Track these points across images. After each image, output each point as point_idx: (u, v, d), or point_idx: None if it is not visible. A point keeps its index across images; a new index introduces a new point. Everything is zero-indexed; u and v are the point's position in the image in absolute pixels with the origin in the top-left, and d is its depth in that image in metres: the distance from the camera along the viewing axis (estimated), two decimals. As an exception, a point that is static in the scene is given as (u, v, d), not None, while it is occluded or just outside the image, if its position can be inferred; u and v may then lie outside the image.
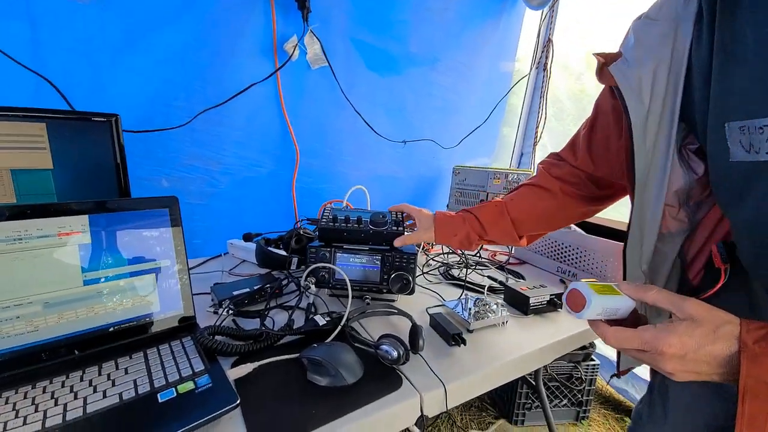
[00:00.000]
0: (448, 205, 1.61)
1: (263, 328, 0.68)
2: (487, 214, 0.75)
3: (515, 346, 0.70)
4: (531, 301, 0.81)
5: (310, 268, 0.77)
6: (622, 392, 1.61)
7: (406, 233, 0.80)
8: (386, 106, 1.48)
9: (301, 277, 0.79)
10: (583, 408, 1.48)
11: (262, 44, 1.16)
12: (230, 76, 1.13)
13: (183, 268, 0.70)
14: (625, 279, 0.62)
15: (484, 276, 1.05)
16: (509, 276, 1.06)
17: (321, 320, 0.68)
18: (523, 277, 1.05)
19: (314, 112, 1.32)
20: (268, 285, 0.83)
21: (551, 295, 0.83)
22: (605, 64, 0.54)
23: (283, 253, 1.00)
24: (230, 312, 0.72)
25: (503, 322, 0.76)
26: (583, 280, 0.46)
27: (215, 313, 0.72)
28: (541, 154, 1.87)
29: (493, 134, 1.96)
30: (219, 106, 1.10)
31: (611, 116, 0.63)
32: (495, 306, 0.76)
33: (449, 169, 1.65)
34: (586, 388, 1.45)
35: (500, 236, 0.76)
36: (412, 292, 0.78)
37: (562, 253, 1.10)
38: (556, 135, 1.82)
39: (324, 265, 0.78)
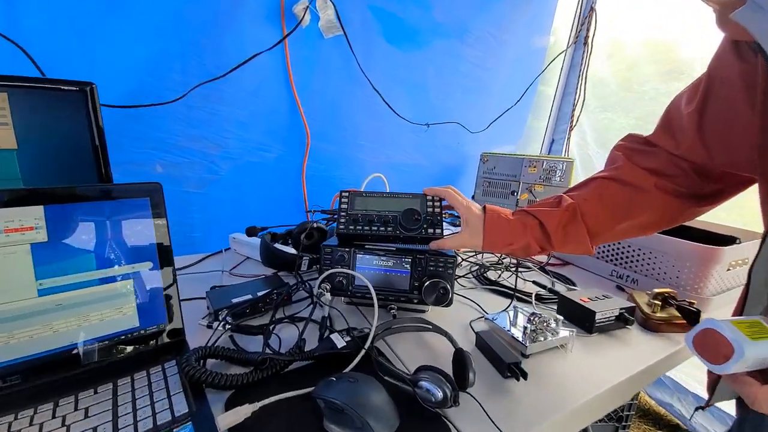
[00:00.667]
0: (474, 197, 1.45)
1: (267, 350, 0.54)
2: (554, 218, 0.59)
3: (586, 379, 0.55)
4: (597, 317, 0.65)
5: (324, 275, 0.63)
6: (665, 405, 1.45)
7: (446, 235, 0.65)
8: (407, 84, 1.31)
9: (314, 281, 0.64)
10: (623, 424, 1.33)
11: (267, 7, 1.00)
12: (231, 45, 0.97)
13: (168, 272, 0.56)
14: (746, 300, 0.46)
15: (525, 280, 0.89)
16: (555, 280, 0.91)
17: (339, 341, 0.54)
18: (572, 283, 0.89)
19: (327, 88, 1.16)
20: (274, 291, 0.69)
21: (621, 309, 0.67)
22: (724, 11, 0.37)
23: (292, 250, 0.85)
24: (227, 326, 0.58)
25: (566, 345, 0.61)
26: (722, 320, 0.32)
27: (209, 327, 0.59)
28: (577, 141, 1.69)
29: (521, 118, 1.77)
30: (218, 79, 0.95)
31: (738, 84, 0.46)
32: (554, 323, 0.61)
33: (475, 156, 1.48)
34: (628, 402, 1.30)
35: (570, 247, 0.60)
36: (449, 304, 0.63)
37: (618, 253, 0.93)
38: (596, 119, 1.63)
39: (343, 271, 0.63)
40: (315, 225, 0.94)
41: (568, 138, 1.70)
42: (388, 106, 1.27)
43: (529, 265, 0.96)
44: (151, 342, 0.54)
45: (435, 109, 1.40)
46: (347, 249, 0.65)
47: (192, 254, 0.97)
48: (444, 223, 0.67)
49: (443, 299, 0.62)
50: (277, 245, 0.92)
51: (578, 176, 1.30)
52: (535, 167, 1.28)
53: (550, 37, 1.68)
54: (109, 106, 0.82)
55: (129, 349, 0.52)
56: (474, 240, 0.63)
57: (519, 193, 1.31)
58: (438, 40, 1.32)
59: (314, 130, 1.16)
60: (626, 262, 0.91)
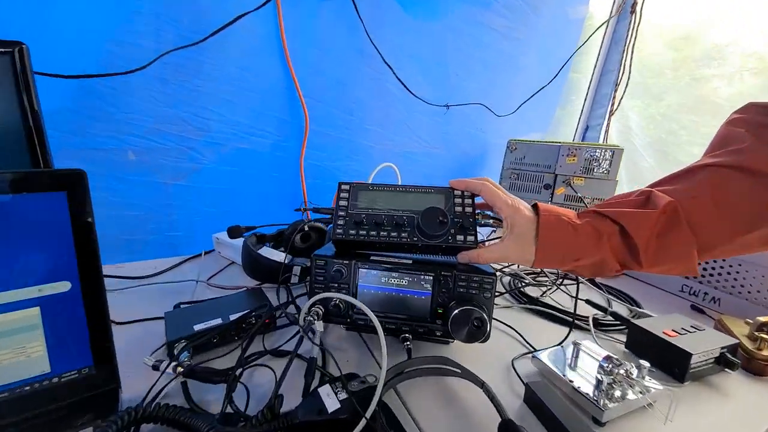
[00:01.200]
0: (499, 191, 1.25)
1: (228, 406, 0.38)
2: (645, 224, 0.41)
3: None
4: (694, 360, 0.47)
5: (312, 300, 0.46)
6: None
7: (484, 245, 0.47)
8: (424, 58, 1.13)
9: (304, 305, 0.48)
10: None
11: (255, -42, 0.83)
12: (213, 6, 0.81)
13: (95, 293, 0.40)
14: None
15: (570, 296, 0.71)
16: (610, 296, 0.72)
17: (331, 398, 0.38)
18: (634, 302, 0.70)
19: (329, 61, 0.98)
20: (252, 314, 0.52)
21: (722, 347, 0.49)
22: None
23: (279, 256, 0.69)
24: (183, 366, 0.42)
25: (652, 404, 0.43)
26: None
27: (155, 368, 0.43)
28: (618, 128, 1.47)
29: (551, 102, 1.56)
30: (195, 45, 0.79)
31: None
32: (636, 370, 0.43)
33: (498, 144, 1.29)
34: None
35: (667, 266, 0.42)
36: (486, 339, 0.45)
37: (691, 264, 0.73)
38: (644, 102, 1.40)
39: (336, 296, 0.46)
40: (312, 224, 0.77)
41: (608, 125, 1.48)
42: (402, 83, 1.08)
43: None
44: (68, 394, 0.38)
45: (455, 89, 1.21)
46: (346, 261, 0.48)
47: (170, 257, 0.82)
48: (477, 228, 0.50)
49: (478, 335, 0.44)
50: (266, 248, 0.76)
51: (621, 170, 1.09)
52: (574, 156, 1.08)
53: (588, 7, 1.46)
54: (56, 75, 0.67)
55: (33, 406, 0.36)
56: (522, 252, 0.45)
57: (555, 187, 1.12)
58: (460, 6, 1.12)
59: (314, 111, 0.98)
60: (704, 275, 0.72)
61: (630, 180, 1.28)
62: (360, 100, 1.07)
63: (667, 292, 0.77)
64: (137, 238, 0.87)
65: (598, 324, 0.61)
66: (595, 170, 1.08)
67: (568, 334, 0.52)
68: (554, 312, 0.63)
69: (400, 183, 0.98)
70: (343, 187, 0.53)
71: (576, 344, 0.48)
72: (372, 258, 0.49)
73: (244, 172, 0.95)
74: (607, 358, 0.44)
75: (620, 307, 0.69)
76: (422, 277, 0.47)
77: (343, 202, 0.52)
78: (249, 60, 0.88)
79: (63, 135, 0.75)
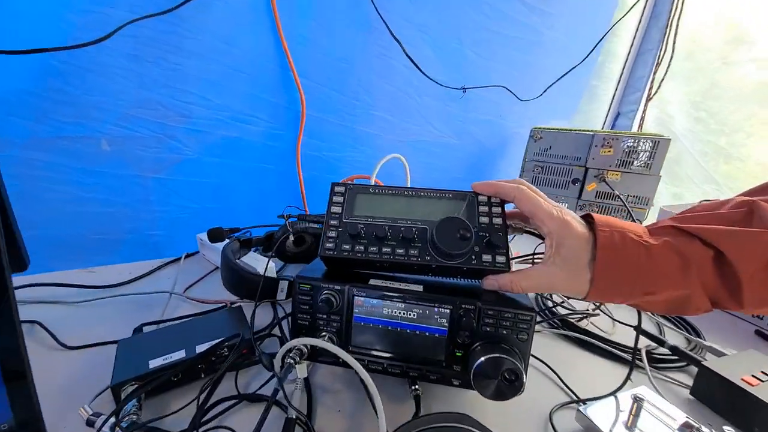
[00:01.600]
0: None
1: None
2: (753, 248, 0.29)
3: None
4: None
5: (287, 347, 0.35)
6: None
7: (516, 268, 0.36)
8: (437, 33, 0.99)
9: (279, 351, 0.38)
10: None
11: None
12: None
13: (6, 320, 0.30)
14: None
15: (611, 319, 0.59)
16: (660, 320, 0.60)
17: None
18: (693, 330, 0.58)
19: (328, 37, 0.86)
20: (225, 344, 0.42)
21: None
22: None
23: (259, 266, 0.59)
24: (122, 427, 0.33)
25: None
26: None
27: (89, 424, 0.33)
28: (656, 115, 1.31)
29: (579, 86, 1.40)
30: (169, 13, 0.67)
31: None
32: None
33: (519, 134, 1.16)
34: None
35: None
36: (521, 392, 0.34)
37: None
38: (689, 86, 1.23)
39: (316, 343, 0.35)
40: (306, 225, 0.67)
41: (643, 112, 1.32)
42: (412, 62, 0.95)
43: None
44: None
45: (473, 69, 1.07)
46: (338, 287, 0.37)
47: (150, 259, 0.73)
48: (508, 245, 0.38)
49: (509, 392, 0.33)
50: (252, 255, 0.66)
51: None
52: (610, 148, 0.94)
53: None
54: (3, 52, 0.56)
55: None
56: (572, 281, 0.34)
57: (586, 182, 0.98)
58: (481, -27, 0.97)
59: (311, 95, 0.87)
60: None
61: (669, 177, 1.13)
62: (364, 81, 0.94)
63: (725, 311, 0.65)
64: (112, 237, 0.77)
65: (653, 357, 0.49)
66: (635, 163, 0.94)
67: (625, 381, 0.40)
68: (600, 344, 0.51)
69: (408, 176, 0.86)
70: (336, 189, 0.42)
71: (638, 400, 0.37)
72: (372, 282, 0.38)
73: (232, 164, 0.84)
74: (687, 426, 0.32)
75: (675, 336, 0.57)
76: (436, 309, 0.36)
77: (336, 209, 0.40)
78: (235, 33, 0.76)
79: (27, 122, 0.65)
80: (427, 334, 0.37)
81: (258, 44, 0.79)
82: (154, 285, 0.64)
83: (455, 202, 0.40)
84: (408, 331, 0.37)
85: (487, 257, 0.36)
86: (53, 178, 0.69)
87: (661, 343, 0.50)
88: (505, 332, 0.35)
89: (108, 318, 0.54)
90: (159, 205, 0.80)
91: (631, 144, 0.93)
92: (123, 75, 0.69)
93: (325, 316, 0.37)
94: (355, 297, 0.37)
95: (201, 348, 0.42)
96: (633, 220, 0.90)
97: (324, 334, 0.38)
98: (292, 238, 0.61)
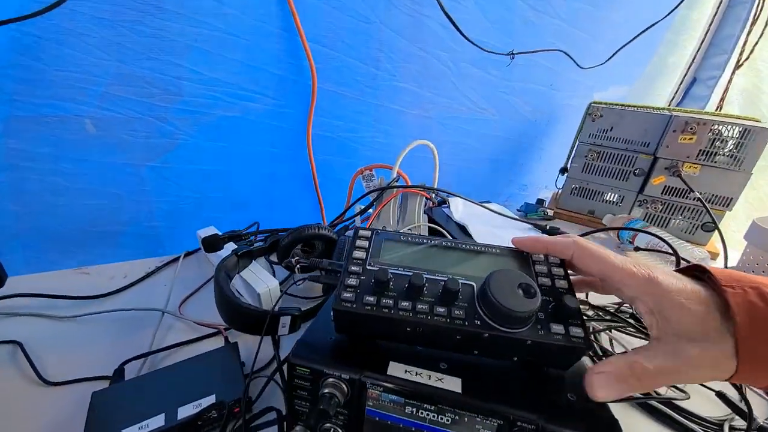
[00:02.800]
0: (567, 174, 0.96)
1: None
2: None
3: None
4: None
5: None
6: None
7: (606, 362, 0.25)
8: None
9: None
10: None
11: None
12: None
13: None
14: None
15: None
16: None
17: None
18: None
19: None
20: (212, 412, 0.35)
21: None
22: None
23: (268, 280, 0.50)
24: None
25: None
26: None
27: None
28: (743, 86, 1.06)
29: (649, 45, 1.15)
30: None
31: None
32: None
33: (572, 107, 0.97)
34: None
35: None
36: None
37: None
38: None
39: None
40: (316, 231, 0.57)
41: (729, 80, 1.08)
42: (450, 20, 0.76)
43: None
44: None
45: (525, 29, 0.87)
46: (346, 376, 0.28)
47: (151, 254, 0.66)
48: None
49: None
50: (255, 266, 0.57)
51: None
52: (693, 134, 0.76)
53: None
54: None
55: None
56: (706, 359, 0.23)
57: (652, 175, 0.82)
58: None
59: (324, 63, 0.72)
60: None
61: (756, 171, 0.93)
62: (387, 45, 0.77)
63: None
64: (109, 229, 0.71)
65: (739, 438, 0.39)
66: (719, 154, 0.76)
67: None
68: (669, 411, 0.41)
69: (437, 166, 0.73)
70: (361, 233, 0.32)
71: None
72: (392, 370, 0.28)
73: (233, 148, 0.73)
74: None
75: (759, 403, 0.45)
76: (479, 419, 0.26)
77: (359, 254, 0.31)
78: (228, -13, 0.61)
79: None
80: (462, 442, 0.28)
81: (257, 1, 0.63)
82: (148, 295, 0.57)
83: (504, 259, 0.30)
84: (438, 435, 0.28)
85: (557, 327, 0.26)
86: (36, 168, 0.61)
87: (743, 415, 0.39)
88: (578, 460, 0.25)
89: (94, 340, 0.48)
90: (156, 196, 0.71)
91: (719, 131, 0.74)
92: (98, 46, 0.57)
93: (324, 412, 0.28)
94: (371, 389, 0.28)
95: (184, 411, 0.35)
96: (715, 226, 0.74)
97: (329, 426, 0.29)
98: (317, 231, 0.52)
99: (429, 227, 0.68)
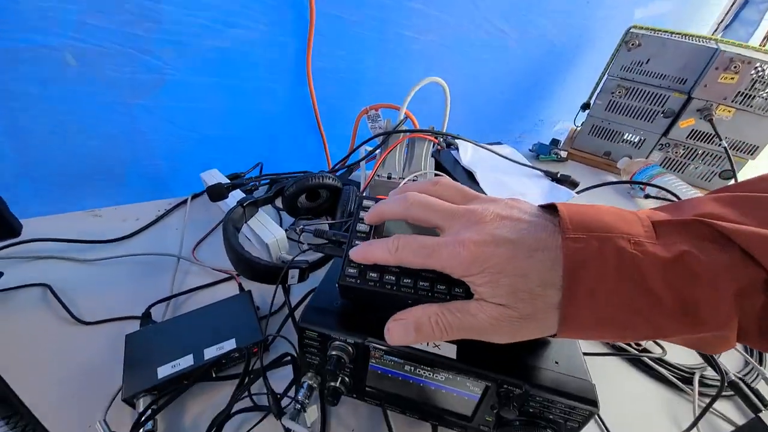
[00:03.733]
0: (588, 111, 0.89)
1: None
2: None
3: None
4: None
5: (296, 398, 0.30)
6: None
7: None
8: None
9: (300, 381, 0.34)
10: None
11: None
12: None
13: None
14: None
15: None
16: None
17: None
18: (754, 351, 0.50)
19: None
20: (240, 353, 0.39)
21: None
22: None
23: (274, 230, 0.52)
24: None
25: None
26: None
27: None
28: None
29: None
30: None
31: None
32: None
33: (607, 30, 0.84)
34: None
35: None
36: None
37: None
38: None
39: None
40: (321, 180, 0.56)
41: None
42: None
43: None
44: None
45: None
46: (351, 340, 0.30)
47: (157, 197, 0.67)
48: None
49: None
50: (261, 214, 0.58)
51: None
52: (735, 74, 0.67)
53: None
54: None
55: None
56: (529, 332, 0.24)
57: (681, 117, 0.75)
58: None
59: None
60: None
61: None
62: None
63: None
64: (112, 170, 0.70)
65: (701, 382, 0.43)
66: (756, 97, 0.69)
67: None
68: (651, 363, 0.45)
69: (448, 107, 0.68)
70: (365, 203, 0.31)
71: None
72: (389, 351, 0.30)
73: (227, 84, 0.68)
74: None
75: (730, 356, 0.49)
76: (470, 379, 0.30)
77: (363, 227, 0.31)
78: None
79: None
80: (454, 394, 0.31)
81: None
82: (161, 239, 0.59)
83: None
84: (432, 388, 0.32)
85: None
86: (26, 108, 0.58)
87: (719, 373, 0.43)
88: (552, 416, 0.29)
89: (117, 283, 0.52)
90: (153, 135, 0.69)
91: (764, 72, 0.66)
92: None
93: (334, 374, 0.31)
94: (372, 351, 0.31)
95: (209, 352, 0.40)
96: (733, 174, 0.70)
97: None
98: (321, 180, 0.52)
99: (435, 174, 0.66)
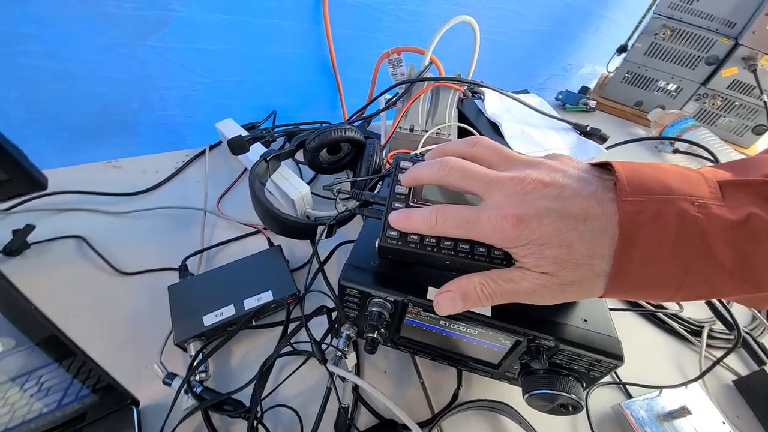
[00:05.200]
0: (625, 55, 0.82)
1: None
2: None
3: None
4: None
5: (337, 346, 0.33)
6: None
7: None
8: None
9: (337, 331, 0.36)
10: None
11: None
12: None
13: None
14: None
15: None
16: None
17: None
18: None
19: None
20: (273, 305, 0.42)
21: None
22: None
23: (298, 185, 0.52)
24: (196, 394, 0.36)
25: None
26: None
27: (166, 383, 0.37)
28: None
29: None
30: None
31: None
32: None
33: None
34: None
35: None
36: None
37: None
38: None
39: (347, 377, 0.33)
40: (343, 133, 0.54)
41: None
42: None
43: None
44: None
45: None
46: (391, 298, 0.32)
47: (172, 148, 0.66)
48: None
49: (564, 414, 0.33)
50: (283, 168, 0.57)
51: None
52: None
53: None
54: None
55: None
56: (573, 294, 0.24)
57: (724, 66, 0.70)
58: None
59: None
60: None
61: None
62: None
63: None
64: (124, 118, 0.68)
65: (709, 335, 0.46)
66: None
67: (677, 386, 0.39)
68: (664, 318, 0.48)
69: (477, 50, 0.63)
70: (402, 164, 0.31)
71: (685, 412, 0.36)
72: (430, 299, 0.32)
73: (239, 21, 0.62)
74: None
75: (741, 310, 0.51)
76: (503, 333, 0.31)
77: (401, 189, 0.31)
78: None
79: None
80: (485, 345, 0.34)
81: None
82: (184, 191, 0.60)
83: None
84: (464, 340, 0.34)
85: None
86: (25, 51, 0.54)
87: (730, 327, 0.46)
88: (576, 368, 0.31)
89: (149, 236, 0.53)
90: (162, 81, 0.65)
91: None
92: None
93: (372, 328, 0.33)
94: (410, 307, 0.32)
95: (249, 303, 0.42)
96: (764, 130, 0.67)
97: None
98: (344, 133, 0.51)
99: (459, 127, 0.63)
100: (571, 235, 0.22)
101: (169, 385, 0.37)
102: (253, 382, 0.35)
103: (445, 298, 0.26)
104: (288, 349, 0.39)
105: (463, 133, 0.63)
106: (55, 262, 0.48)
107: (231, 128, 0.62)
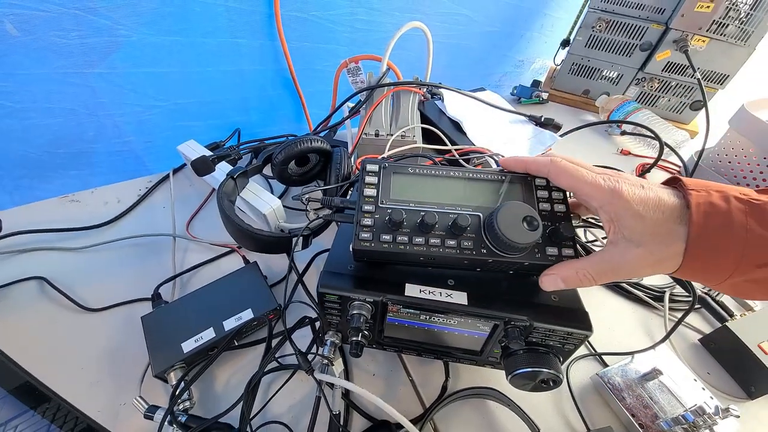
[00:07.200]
0: (568, 48, 0.87)
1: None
2: None
3: None
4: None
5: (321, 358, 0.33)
6: None
7: (581, 258, 0.30)
8: None
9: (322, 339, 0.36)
10: None
11: None
12: None
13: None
14: None
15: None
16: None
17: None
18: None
19: None
20: (255, 319, 0.41)
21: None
22: None
23: (269, 200, 0.52)
24: (184, 417, 0.35)
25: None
26: None
27: (147, 417, 0.36)
28: None
29: None
30: None
31: None
32: (711, 408, 0.35)
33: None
34: None
35: None
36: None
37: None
38: None
39: (336, 382, 0.33)
40: (310, 144, 0.55)
41: None
42: None
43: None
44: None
45: None
46: (370, 299, 0.32)
47: (132, 176, 0.64)
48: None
49: (544, 390, 0.34)
50: (252, 185, 0.56)
51: None
52: (711, 1, 0.67)
53: None
54: None
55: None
56: (657, 256, 0.26)
57: (658, 50, 0.76)
58: None
59: None
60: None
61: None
62: None
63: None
64: (78, 149, 0.65)
65: (671, 298, 0.50)
66: (729, 27, 0.70)
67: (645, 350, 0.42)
68: (629, 288, 0.51)
69: (431, 53, 0.66)
70: (368, 168, 0.32)
71: (657, 373, 0.39)
72: (409, 291, 0.33)
73: (189, 42, 0.61)
74: (699, 411, 0.35)
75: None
76: (481, 320, 0.33)
77: (370, 191, 0.32)
78: None
79: None
80: (465, 334, 0.35)
81: None
82: (150, 219, 0.58)
83: (509, 186, 0.32)
84: (445, 331, 0.35)
85: (552, 250, 0.30)
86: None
87: (691, 290, 0.49)
88: (551, 343, 0.33)
89: (115, 268, 0.51)
90: (116, 108, 0.63)
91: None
92: None
93: (356, 328, 0.34)
94: (390, 306, 0.33)
95: (228, 323, 0.41)
96: (704, 104, 0.73)
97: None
98: (310, 143, 0.52)
99: (423, 128, 0.65)
100: (655, 215, 0.26)
101: (152, 418, 0.35)
102: (241, 402, 0.35)
103: (549, 279, 0.30)
104: (274, 364, 0.39)
105: (427, 134, 0.65)
106: (17, 307, 0.45)
107: (194, 149, 0.61)
